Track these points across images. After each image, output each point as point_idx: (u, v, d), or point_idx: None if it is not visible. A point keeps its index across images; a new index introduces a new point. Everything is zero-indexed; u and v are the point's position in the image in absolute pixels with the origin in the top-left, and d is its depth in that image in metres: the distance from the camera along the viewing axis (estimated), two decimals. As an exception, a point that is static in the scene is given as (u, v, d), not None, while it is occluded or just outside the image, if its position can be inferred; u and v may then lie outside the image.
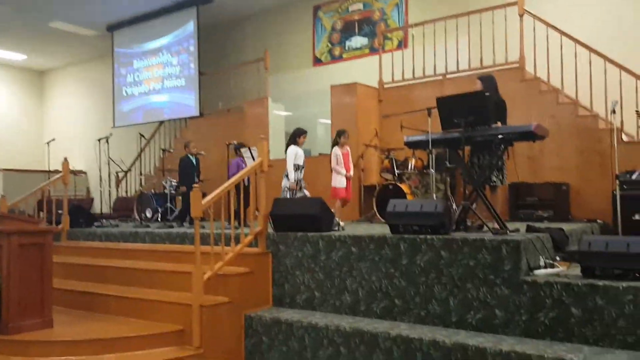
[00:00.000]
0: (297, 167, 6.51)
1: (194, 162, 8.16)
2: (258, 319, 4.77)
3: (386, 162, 7.24)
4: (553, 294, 3.72)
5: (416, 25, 8.81)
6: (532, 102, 7.40)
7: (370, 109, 8.46)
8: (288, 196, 6.43)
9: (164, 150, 9.40)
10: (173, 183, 8.42)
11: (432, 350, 3.83)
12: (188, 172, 8.00)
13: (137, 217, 9.13)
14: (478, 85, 5.43)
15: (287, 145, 6.71)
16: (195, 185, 4.74)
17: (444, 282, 4.18)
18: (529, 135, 4.64)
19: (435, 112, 4.98)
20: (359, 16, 10.46)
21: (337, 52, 10.65)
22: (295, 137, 6.66)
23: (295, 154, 6.55)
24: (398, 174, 7.05)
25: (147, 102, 11.98)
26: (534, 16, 7.60)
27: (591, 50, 7.17)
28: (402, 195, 6.68)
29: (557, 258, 4.30)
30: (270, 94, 9.81)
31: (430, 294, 4.24)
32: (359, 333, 4.19)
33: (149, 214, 8.99)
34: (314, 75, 10.63)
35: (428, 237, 4.29)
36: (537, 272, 4.01)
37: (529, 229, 4.88)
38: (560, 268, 4.12)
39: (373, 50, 10.01)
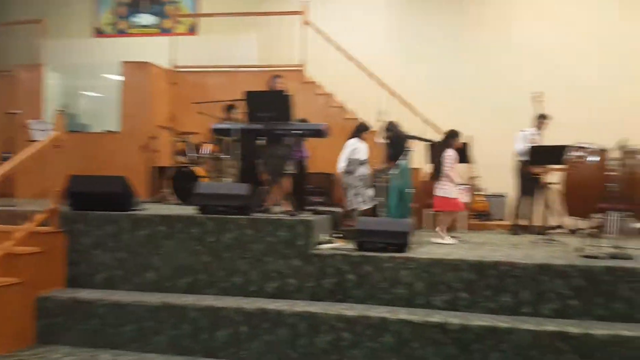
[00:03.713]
0: (357, 162, 6.40)
1: None
2: (53, 299, 4.59)
3: (180, 145, 7.43)
4: (335, 264, 4.57)
5: (208, 15, 9.13)
6: (310, 102, 8.45)
7: (163, 90, 8.46)
8: (352, 193, 6.39)
9: None
10: None
11: (236, 316, 4.33)
12: None
13: None
14: (278, 84, 6.10)
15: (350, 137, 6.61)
16: None
17: (248, 256, 4.71)
18: (319, 133, 5.49)
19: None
20: (148, -7, 10.25)
21: (122, 26, 10.25)
22: (360, 132, 6.61)
23: (355, 147, 6.46)
24: (193, 157, 7.31)
25: None
26: (316, 28, 8.67)
27: (357, 64, 8.55)
28: (196, 178, 6.97)
29: (340, 235, 5.24)
30: (45, 61, 8.95)
31: (234, 267, 4.73)
32: (167, 307, 4.42)
33: None
34: (96, 47, 10.02)
35: (235, 216, 4.77)
36: (321, 246, 4.85)
37: (314, 212, 5.76)
38: (339, 243, 5.05)
39: (163, 31, 9.96)
